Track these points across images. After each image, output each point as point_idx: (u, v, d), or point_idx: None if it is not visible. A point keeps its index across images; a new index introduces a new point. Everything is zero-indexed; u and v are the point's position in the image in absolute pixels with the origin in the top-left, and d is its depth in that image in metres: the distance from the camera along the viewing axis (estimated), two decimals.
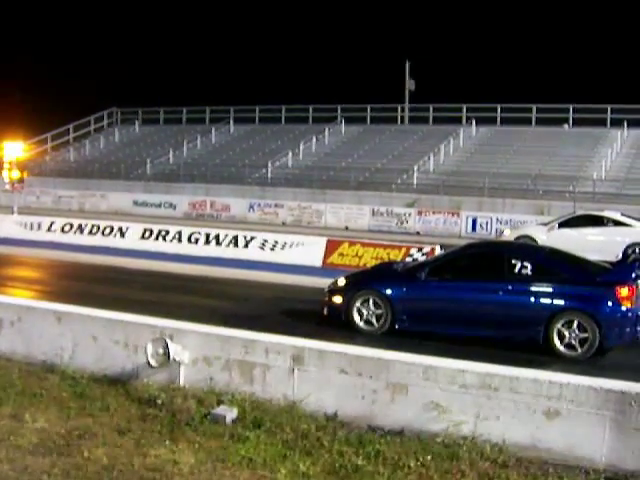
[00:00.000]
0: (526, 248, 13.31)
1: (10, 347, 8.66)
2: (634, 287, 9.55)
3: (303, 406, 6.88)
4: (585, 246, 17.17)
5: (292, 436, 6.30)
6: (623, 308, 9.44)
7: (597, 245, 18.15)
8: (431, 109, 40.71)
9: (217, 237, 19.22)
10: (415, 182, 33.90)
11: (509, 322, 9.76)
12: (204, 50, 64.39)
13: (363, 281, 11.40)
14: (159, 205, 33.66)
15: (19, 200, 24.86)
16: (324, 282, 12.20)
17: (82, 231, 20.91)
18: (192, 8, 67.64)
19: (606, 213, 20.30)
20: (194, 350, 7.50)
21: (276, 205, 31.31)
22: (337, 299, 10.80)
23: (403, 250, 17.18)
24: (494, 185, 30.11)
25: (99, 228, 20.78)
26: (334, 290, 11.01)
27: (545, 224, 20.62)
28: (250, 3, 68.78)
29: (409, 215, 26.56)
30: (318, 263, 17.46)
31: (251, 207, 31.62)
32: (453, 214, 26.16)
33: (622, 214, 20.26)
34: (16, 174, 24.15)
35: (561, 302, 9.61)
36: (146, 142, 46.28)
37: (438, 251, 16.91)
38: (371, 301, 10.48)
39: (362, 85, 49.77)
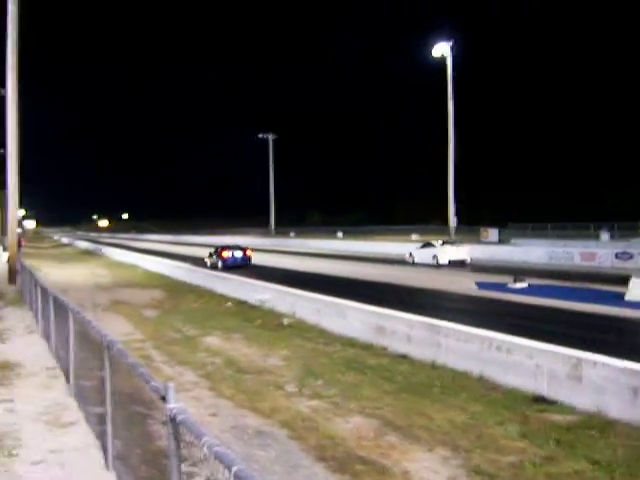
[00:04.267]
0: (231, 245, 45.94)
1: None
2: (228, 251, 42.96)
3: None
4: (423, 256, 40.60)
5: None
6: (224, 256, 42.18)
7: (425, 256, 40.43)
8: None
9: None
10: None
11: None
12: None
13: (214, 252, 43.43)
14: None
15: None
16: None
17: None
18: None
19: (432, 241, 42.48)
20: None
21: None
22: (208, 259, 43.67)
23: None
24: None
25: None
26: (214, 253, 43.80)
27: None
28: None
29: None
30: None
31: None
32: None
33: (443, 241, 42.03)
34: None
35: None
36: None
37: None
38: (213, 257, 43.02)
39: None
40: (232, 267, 39.87)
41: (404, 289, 27.84)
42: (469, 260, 39.85)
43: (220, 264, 41.63)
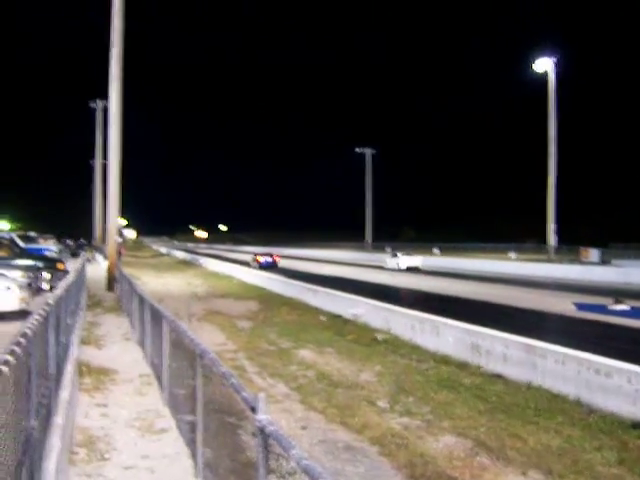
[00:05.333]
0: (264, 252, 68.42)
1: None
2: (262, 257, 62.60)
3: None
4: (392, 264, 58.05)
5: None
6: (259, 260, 60.86)
7: (393, 263, 58.43)
8: None
9: None
10: None
11: None
12: None
13: (253, 257, 62.32)
14: None
15: None
16: None
17: None
18: None
19: (398, 253, 61.82)
20: None
21: None
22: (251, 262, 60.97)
23: None
24: None
25: None
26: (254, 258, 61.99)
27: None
28: None
29: None
30: None
31: None
32: None
33: (403, 253, 60.87)
34: None
35: None
36: None
37: None
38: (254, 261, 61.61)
39: None
40: (266, 268, 55.72)
41: (503, 309, 27.27)
42: (421, 266, 56.76)
43: (257, 265, 58.73)
